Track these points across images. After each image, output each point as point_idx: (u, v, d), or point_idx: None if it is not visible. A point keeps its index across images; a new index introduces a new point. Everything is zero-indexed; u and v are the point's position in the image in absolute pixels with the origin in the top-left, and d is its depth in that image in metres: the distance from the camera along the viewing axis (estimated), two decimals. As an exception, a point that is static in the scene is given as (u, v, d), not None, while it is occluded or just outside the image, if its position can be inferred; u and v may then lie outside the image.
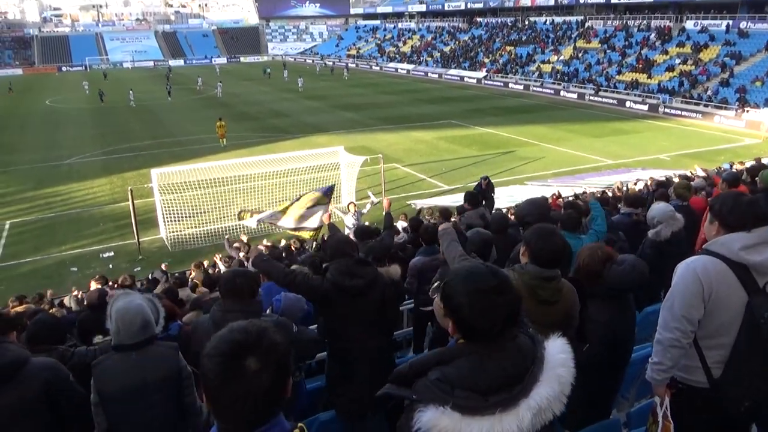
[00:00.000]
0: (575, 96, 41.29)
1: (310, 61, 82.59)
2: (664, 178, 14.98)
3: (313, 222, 11.33)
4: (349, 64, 69.84)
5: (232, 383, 1.44)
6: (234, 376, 1.44)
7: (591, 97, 39.81)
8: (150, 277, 10.69)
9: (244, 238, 12.32)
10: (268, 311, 3.62)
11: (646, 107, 35.81)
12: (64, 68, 80.00)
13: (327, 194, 11.28)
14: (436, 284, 1.85)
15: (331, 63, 72.67)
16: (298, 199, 10.98)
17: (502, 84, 49.10)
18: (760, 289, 2.62)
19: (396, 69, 65.34)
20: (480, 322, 1.67)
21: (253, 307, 3.15)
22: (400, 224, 11.80)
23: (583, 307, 3.23)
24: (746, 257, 2.62)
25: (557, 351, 1.74)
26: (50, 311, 6.74)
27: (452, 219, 8.61)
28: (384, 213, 6.06)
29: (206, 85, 52.49)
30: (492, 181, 10.26)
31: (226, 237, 12.50)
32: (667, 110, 34.46)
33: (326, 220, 9.62)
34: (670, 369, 2.83)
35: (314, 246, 11.83)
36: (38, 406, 2.93)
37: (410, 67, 63.72)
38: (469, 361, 1.66)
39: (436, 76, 57.74)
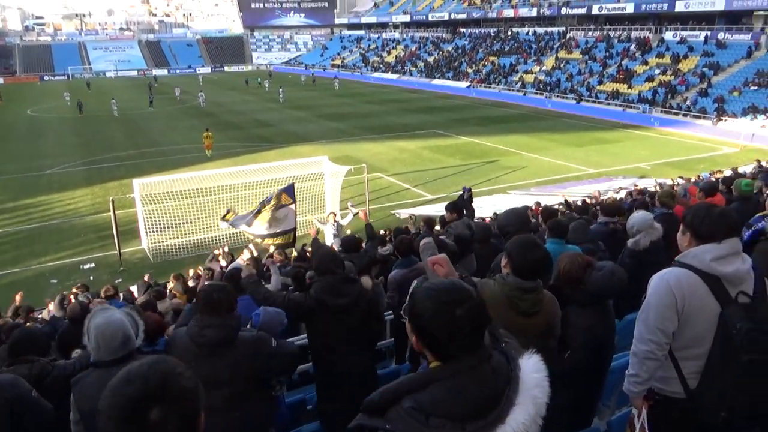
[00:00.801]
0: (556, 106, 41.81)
1: (296, 71, 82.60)
2: (643, 187, 15.21)
3: (286, 224, 11.23)
4: (338, 74, 69.08)
5: None
6: None
7: (583, 104, 40.28)
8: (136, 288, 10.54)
9: (227, 249, 12.21)
10: (248, 326, 3.59)
11: (626, 116, 36.30)
12: (46, 77, 79.19)
13: (290, 194, 11.02)
14: (404, 305, 1.79)
15: (312, 73, 71.89)
16: (267, 202, 10.77)
17: (487, 93, 49.54)
18: (733, 300, 2.64)
19: (382, 79, 65.54)
20: (441, 335, 1.62)
21: (230, 321, 3.11)
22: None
23: (564, 314, 3.26)
24: (718, 268, 2.65)
25: (532, 370, 1.69)
26: (26, 324, 6.62)
27: (436, 228, 8.65)
28: (365, 224, 6.06)
29: (187, 94, 52.29)
30: (473, 190, 10.29)
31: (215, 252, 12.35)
32: (647, 120, 34.96)
33: (312, 233, 9.59)
34: (647, 381, 2.85)
35: (293, 255, 11.80)
36: (1, 425, 2.86)
37: (395, 77, 64.05)
38: (443, 387, 1.59)
39: (423, 85, 58.05)
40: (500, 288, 2.96)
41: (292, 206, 10.66)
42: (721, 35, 40.31)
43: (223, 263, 10.17)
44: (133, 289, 10.62)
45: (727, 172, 16.25)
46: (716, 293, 2.65)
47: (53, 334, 5.95)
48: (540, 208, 10.34)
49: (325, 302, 3.63)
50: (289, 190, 10.75)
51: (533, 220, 7.23)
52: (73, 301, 7.42)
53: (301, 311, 3.69)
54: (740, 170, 16.08)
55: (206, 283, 3.53)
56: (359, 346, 3.78)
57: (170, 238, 16.21)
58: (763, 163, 16.98)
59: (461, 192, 9.85)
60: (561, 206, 12.80)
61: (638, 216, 5.37)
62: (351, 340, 3.71)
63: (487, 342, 1.71)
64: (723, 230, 2.69)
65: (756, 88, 33.39)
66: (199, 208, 17.13)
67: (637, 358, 2.82)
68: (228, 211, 11.45)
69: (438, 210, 15.29)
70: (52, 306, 8.65)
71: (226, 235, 16.35)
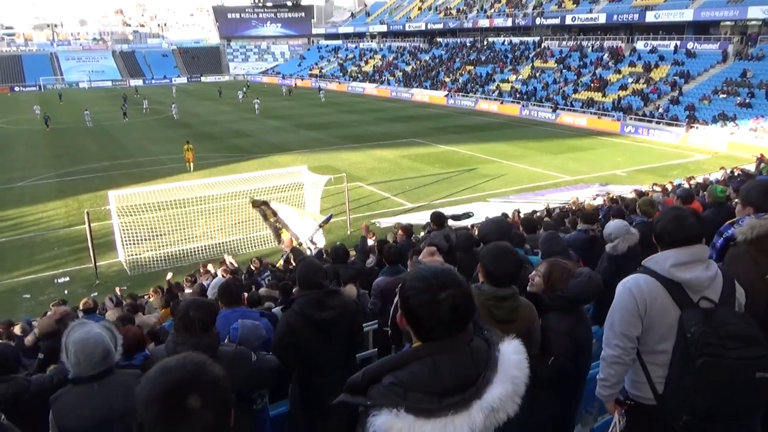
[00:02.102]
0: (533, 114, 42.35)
1: (274, 81, 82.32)
2: (617, 195, 15.45)
3: (301, 231, 12.21)
4: (322, 85, 67.85)
5: (175, 429, 1.34)
6: (176, 422, 1.34)
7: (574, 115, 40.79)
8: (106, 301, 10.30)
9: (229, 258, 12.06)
10: (226, 340, 3.53)
11: (601, 124, 36.93)
12: (16, 88, 77.65)
13: (326, 221, 12.54)
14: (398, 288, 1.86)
15: (289, 84, 70.71)
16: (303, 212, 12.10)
17: (464, 102, 50.00)
18: (693, 304, 2.68)
19: (363, 89, 65.69)
20: (425, 316, 1.68)
21: (206, 340, 3.02)
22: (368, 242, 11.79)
23: (543, 320, 3.28)
24: (676, 274, 2.69)
25: (511, 352, 1.74)
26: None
27: (419, 235, 8.66)
28: (361, 236, 6.05)
29: (161, 104, 51.71)
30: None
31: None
32: (621, 127, 35.61)
33: (287, 244, 9.62)
34: (615, 384, 2.90)
35: (279, 264, 11.74)
36: None
37: (373, 86, 64.28)
38: (422, 364, 1.65)
39: (401, 94, 58.35)
40: (476, 297, 2.97)
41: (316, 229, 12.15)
42: (690, 45, 41.34)
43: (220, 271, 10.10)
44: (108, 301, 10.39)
45: (699, 179, 16.63)
46: (676, 298, 2.70)
47: (21, 349, 5.80)
48: (519, 218, 10.44)
49: (311, 316, 3.54)
50: (327, 220, 12.47)
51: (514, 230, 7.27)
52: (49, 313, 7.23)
53: (293, 330, 3.58)
54: (711, 177, 16.45)
55: (187, 299, 3.43)
56: (342, 360, 3.73)
57: (147, 250, 15.95)
58: (728, 170, 17.38)
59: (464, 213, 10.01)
60: (541, 214, 12.93)
61: (615, 223, 5.48)
62: (334, 354, 3.64)
63: (470, 329, 1.75)
64: (682, 236, 2.73)
65: (725, 96, 34.26)
66: (176, 220, 16.91)
67: (605, 362, 2.89)
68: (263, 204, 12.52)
69: (419, 218, 15.35)
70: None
71: (203, 246, 16.19)
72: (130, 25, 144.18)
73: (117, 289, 11.46)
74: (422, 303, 1.69)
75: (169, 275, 11.68)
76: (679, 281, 2.70)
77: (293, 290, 6.17)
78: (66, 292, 14.05)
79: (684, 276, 2.69)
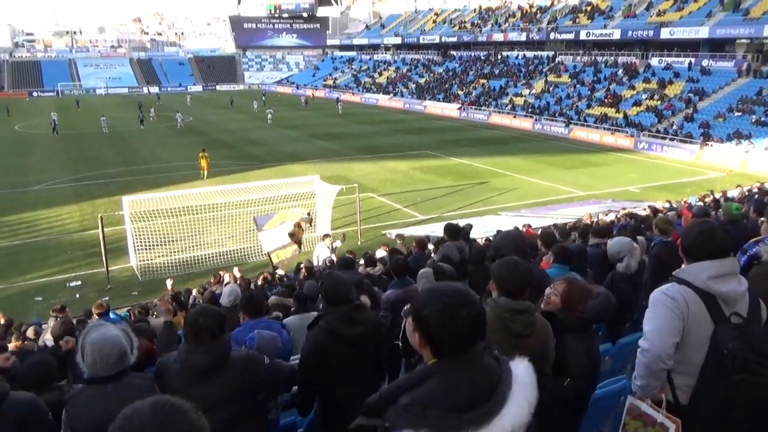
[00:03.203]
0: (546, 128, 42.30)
1: (288, 91, 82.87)
2: (630, 211, 15.33)
3: (282, 238, 12.04)
4: (340, 96, 66.01)
5: None
6: None
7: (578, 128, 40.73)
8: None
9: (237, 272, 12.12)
10: (242, 348, 3.53)
11: (614, 140, 36.80)
12: (35, 93, 78.88)
13: (305, 220, 12.05)
14: (407, 306, 1.89)
15: (305, 95, 69.34)
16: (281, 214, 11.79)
17: (477, 115, 50.08)
18: (726, 319, 2.66)
19: (377, 100, 65.95)
20: (445, 335, 1.72)
21: (216, 347, 3.00)
22: (380, 253, 11.80)
23: (560, 340, 3.24)
24: (714, 287, 2.67)
25: (523, 373, 1.78)
26: (21, 344, 6.50)
27: (429, 247, 8.65)
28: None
29: (175, 111, 52.14)
30: (465, 211, 10.36)
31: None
32: (635, 143, 35.45)
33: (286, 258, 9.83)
34: (658, 386, 2.87)
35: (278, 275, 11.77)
36: None
37: (386, 97, 64.55)
38: (439, 381, 1.68)
39: (416, 106, 58.55)
40: (492, 310, 2.97)
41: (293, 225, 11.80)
42: (705, 62, 41.18)
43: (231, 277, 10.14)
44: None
45: (717, 195, 16.46)
46: (711, 311, 2.68)
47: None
48: (537, 232, 10.39)
49: (341, 333, 3.43)
50: (307, 219, 12.26)
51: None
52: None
53: (321, 348, 3.46)
54: (729, 194, 16.30)
55: (197, 307, 3.40)
56: (368, 373, 3.63)
57: (159, 256, 16.05)
58: (746, 189, 17.22)
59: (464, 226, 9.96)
60: (553, 228, 12.85)
61: (620, 241, 5.43)
62: (361, 368, 3.53)
63: (480, 346, 1.79)
64: (714, 249, 2.71)
65: (740, 114, 34.03)
66: (188, 227, 17.02)
67: (648, 369, 2.81)
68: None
69: (431, 230, 15.31)
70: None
71: (214, 254, 16.27)
72: (147, 33, 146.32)
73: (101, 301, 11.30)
74: (443, 322, 1.72)
75: (169, 282, 11.70)
76: (716, 294, 2.68)
77: (308, 300, 6.18)
78: (77, 295, 14.17)
79: (721, 289, 2.67)
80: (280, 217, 13.45)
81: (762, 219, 5.01)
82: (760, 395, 2.53)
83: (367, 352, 3.58)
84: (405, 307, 1.92)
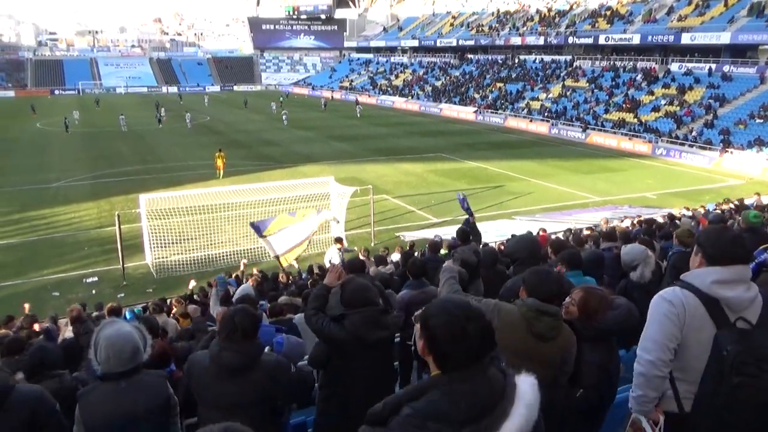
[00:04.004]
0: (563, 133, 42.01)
1: (305, 92, 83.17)
2: (649, 217, 15.14)
3: (299, 237, 12.00)
4: (360, 99, 63.89)
5: None
6: None
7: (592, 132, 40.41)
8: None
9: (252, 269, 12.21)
10: (267, 349, 3.54)
11: (632, 145, 36.44)
12: (57, 92, 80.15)
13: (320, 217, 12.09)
14: (418, 312, 1.91)
15: (325, 97, 68.14)
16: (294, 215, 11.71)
17: (493, 119, 49.89)
18: (730, 324, 2.65)
19: (393, 102, 65.96)
20: (451, 348, 1.73)
21: (249, 347, 3.04)
22: (395, 256, 11.81)
23: (578, 351, 3.20)
24: (718, 291, 2.66)
25: (527, 388, 1.77)
26: (25, 335, 6.59)
27: (442, 251, 8.62)
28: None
29: (191, 111, 52.63)
30: (477, 215, 10.34)
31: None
32: (653, 149, 35.07)
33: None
34: (655, 399, 2.84)
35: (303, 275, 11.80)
36: None
37: (402, 100, 64.55)
38: (440, 393, 1.69)
39: (432, 109, 58.48)
40: (518, 308, 2.99)
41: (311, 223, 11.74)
42: (726, 68, 40.62)
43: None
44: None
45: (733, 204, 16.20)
46: (713, 315, 2.67)
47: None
48: (546, 235, 10.31)
49: (363, 337, 3.40)
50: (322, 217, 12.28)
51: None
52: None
53: (337, 344, 3.47)
54: (746, 202, 16.03)
55: (235, 306, 3.42)
56: (385, 377, 3.63)
57: (174, 254, 16.19)
58: (764, 198, 16.92)
59: (463, 207, 9.88)
60: (566, 233, 12.76)
61: (634, 249, 5.35)
62: (376, 377, 3.50)
63: (487, 360, 1.79)
64: (732, 255, 2.69)
65: (762, 121, 33.50)
66: (204, 225, 17.16)
67: (645, 377, 2.79)
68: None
69: (444, 233, 15.26)
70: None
71: (229, 252, 16.37)
72: (167, 34, 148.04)
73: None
74: (451, 336, 1.73)
75: (192, 283, 11.85)
76: (720, 298, 2.66)
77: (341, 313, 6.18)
78: (94, 291, 14.35)
79: (725, 294, 2.66)
80: (282, 221, 13.26)
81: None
82: (756, 399, 2.50)
83: (384, 355, 3.59)
84: (416, 312, 1.93)
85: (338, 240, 13.70)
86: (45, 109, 57.17)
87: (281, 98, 63.72)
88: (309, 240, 13.64)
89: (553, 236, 11.56)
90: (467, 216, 9.71)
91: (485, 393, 1.70)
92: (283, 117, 48.44)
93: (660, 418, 2.85)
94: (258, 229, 12.93)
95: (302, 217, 13.41)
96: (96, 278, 15.36)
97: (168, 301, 10.58)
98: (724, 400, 2.57)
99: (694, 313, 2.67)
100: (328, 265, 12.14)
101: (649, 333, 2.78)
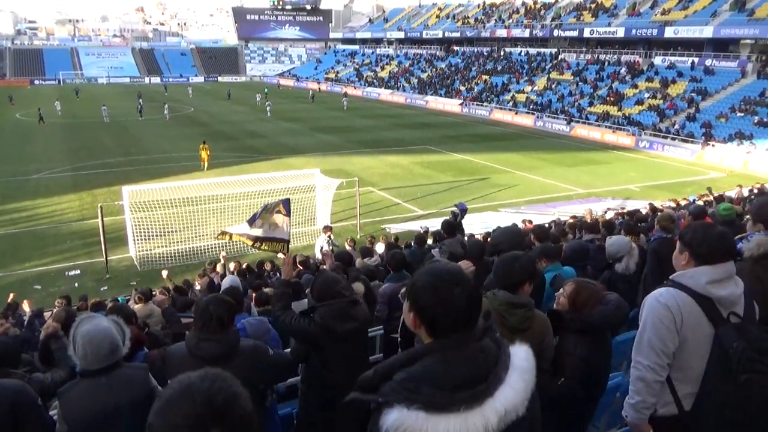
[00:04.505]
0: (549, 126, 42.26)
1: (290, 84, 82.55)
2: (633, 209, 15.32)
3: (281, 233, 11.59)
4: (347, 91, 62.61)
5: None
6: None
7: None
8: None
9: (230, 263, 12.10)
10: None
11: (616, 138, 36.76)
12: (36, 81, 78.73)
13: (286, 207, 11.47)
14: (404, 289, 1.88)
15: (312, 89, 67.35)
16: (266, 209, 11.14)
17: (478, 111, 49.98)
18: (725, 320, 2.67)
19: (378, 94, 65.75)
20: (440, 313, 1.70)
21: (227, 336, 3.05)
22: (379, 247, 11.83)
23: (561, 340, 3.23)
24: (713, 291, 2.67)
25: (522, 358, 1.76)
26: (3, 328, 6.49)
27: (428, 243, 8.66)
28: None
29: (175, 101, 52.05)
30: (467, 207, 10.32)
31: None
32: (636, 142, 35.41)
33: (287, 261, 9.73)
34: (652, 406, 2.82)
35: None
36: (1, 429, 2.81)
37: (388, 92, 64.39)
38: (433, 359, 1.67)
39: (419, 101, 58.41)
40: (490, 303, 2.98)
41: (287, 219, 10.93)
42: (708, 62, 41.09)
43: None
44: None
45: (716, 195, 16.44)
46: (709, 314, 2.68)
47: (27, 342, 5.84)
48: (532, 226, 10.36)
49: (333, 329, 3.47)
50: (286, 204, 11.12)
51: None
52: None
53: (307, 338, 3.55)
54: (727, 194, 16.29)
55: (209, 295, 3.43)
56: (361, 367, 3.70)
57: (158, 247, 16.06)
58: (745, 190, 17.19)
59: (455, 210, 9.86)
60: (553, 225, 12.84)
61: (618, 241, 5.39)
62: (353, 364, 3.58)
63: (480, 329, 1.78)
64: (721, 253, 2.70)
65: (742, 114, 33.98)
66: (189, 217, 17.01)
67: (644, 382, 2.77)
68: (223, 233, 11.67)
69: (430, 225, 15.29)
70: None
71: (214, 245, 16.26)
72: (150, 23, 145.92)
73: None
74: (439, 299, 1.71)
75: (165, 273, 11.70)
76: (714, 298, 2.68)
77: (302, 291, 6.18)
78: (76, 284, 14.18)
79: (720, 293, 2.68)
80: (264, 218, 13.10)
81: (747, 216, 4.99)
82: (764, 395, 2.53)
83: (357, 346, 3.64)
84: (402, 290, 1.91)
85: (327, 228, 13.70)
86: (24, 99, 56.15)
87: (266, 90, 63.22)
88: (260, 240, 13.22)
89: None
90: (455, 210, 9.72)
91: (479, 360, 1.68)
92: (267, 108, 48.09)
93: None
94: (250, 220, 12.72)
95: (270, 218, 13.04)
96: (78, 271, 15.18)
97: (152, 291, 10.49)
98: (728, 397, 2.58)
99: (689, 313, 2.68)
100: (318, 254, 12.15)
101: (645, 338, 2.76)
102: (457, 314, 1.71)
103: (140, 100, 47.45)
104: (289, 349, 4.21)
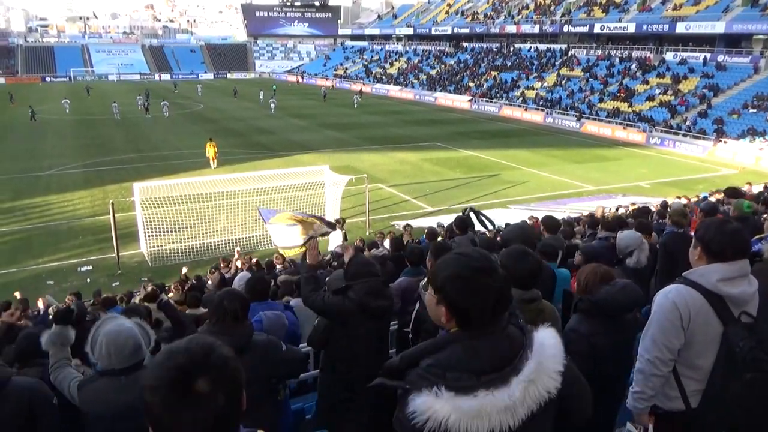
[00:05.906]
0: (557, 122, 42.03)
1: (295, 80, 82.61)
2: (643, 206, 15.21)
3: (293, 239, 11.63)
4: (360, 88, 61.85)
5: (184, 413, 1.27)
6: (185, 406, 1.27)
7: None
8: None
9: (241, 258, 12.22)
10: None
11: (626, 135, 36.53)
12: (48, 78, 79.35)
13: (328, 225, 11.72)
14: (425, 279, 1.89)
15: (324, 87, 65.17)
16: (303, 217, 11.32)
17: (488, 108, 49.82)
18: (736, 319, 2.66)
19: (387, 91, 65.65)
20: (470, 303, 1.69)
21: (241, 330, 3.08)
22: (387, 243, 11.87)
23: (570, 320, 3.27)
24: (723, 289, 2.66)
25: (548, 337, 1.77)
26: (19, 322, 6.59)
27: (439, 239, 8.66)
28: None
29: (186, 98, 52.27)
30: (474, 205, 10.33)
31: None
32: (647, 139, 35.17)
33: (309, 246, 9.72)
34: (651, 398, 2.86)
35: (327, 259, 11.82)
36: (17, 426, 2.86)
37: (397, 88, 64.28)
38: (460, 347, 1.68)
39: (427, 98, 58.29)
40: None
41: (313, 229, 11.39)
42: (721, 57, 40.66)
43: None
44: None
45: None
46: (719, 312, 2.67)
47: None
48: (539, 221, 10.33)
49: (368, 304, 3.61)
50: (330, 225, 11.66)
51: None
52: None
53: (337, 313, 3.67)
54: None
55: (223, 290, 3.48)
56: (382, 348, 3.81)
57: (169, 243, 16.16)
58: (754, 188, 17.00)
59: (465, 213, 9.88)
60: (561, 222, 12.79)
61: (629, 235, 5.37)
62: (378, 343, 3.75)
63: (505, 316, 1.78)
64: (734, 250, 2.69)
65: (755, 110, 33.63)
66: (199, 214, 17.11)
67: (643, 374, 2.83)
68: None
69: (439, 222, 15.28)
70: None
71: (224, 241, 16.37)
72: (159, 20, 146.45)
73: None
74: (471, 291, 1.69)
75: (184, 270, 11.87)
76: (724, 295, 2.67)
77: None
78: (88, 280, 14.32)
79: (731, 291, 2.66)
80: (283, 218, 13.13)
81: (765, 215, 4.98)
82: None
83: (382, 326, 3.78)
84: (422, 281, 1.91)
85: (337, 221, 13.76)
86: (35, 96, 56.59)
87: (274, 86, 63.14)
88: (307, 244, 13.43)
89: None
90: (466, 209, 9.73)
91: (506, 346, 1.70)
92: (271, 105, 48.12)
93: (650, 425, 2.89)
94: (263, 215, 12.82)
95: (303, 223, 13.17)
96: (90, 267, 15.32)
97: (165, 286, 10.60)
98: (734, 395, 2.59)
99: (699, 311, 2.68)
100: (332, 247, 12.24)
101: (650, 332, 2.80)
102: (489, 306, 1.70)
103: (143, 97, 47.54)
104: (302, 345, 4.24)
